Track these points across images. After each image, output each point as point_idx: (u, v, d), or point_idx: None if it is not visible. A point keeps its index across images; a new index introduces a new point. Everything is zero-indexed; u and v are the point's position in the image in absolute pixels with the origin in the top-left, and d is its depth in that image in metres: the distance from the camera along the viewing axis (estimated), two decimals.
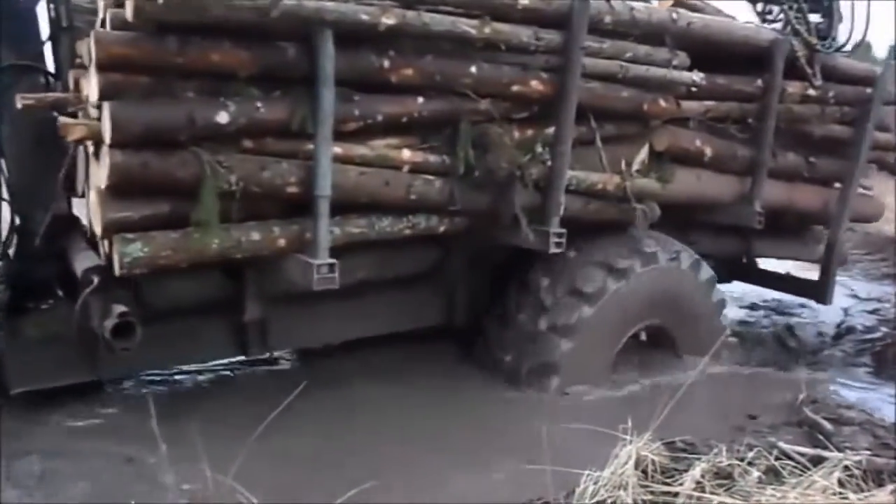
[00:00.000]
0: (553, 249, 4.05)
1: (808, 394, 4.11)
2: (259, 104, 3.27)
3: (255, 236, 3.43)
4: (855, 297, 7.41)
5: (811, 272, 5.96)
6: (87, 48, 3.20)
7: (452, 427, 3.93)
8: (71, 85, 3.91)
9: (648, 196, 4.47)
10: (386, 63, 3.52)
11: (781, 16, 5.13)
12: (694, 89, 4.55)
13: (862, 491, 2.58)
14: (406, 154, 3.74)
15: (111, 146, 3.05)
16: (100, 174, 3.20)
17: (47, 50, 4.12)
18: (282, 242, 3.50)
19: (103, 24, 3.23)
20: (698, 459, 2.74)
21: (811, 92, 5.13)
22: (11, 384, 3.74)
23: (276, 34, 3.27)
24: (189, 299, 3.89)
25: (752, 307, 6.97)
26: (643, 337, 4.69)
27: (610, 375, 4.49)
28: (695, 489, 2.54)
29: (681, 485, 2.56)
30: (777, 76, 4.86)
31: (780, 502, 2.47)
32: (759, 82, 4.90)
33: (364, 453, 3.54)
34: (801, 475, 2.65)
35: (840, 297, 6.58)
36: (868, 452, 2.97)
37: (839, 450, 3.03)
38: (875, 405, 4.48)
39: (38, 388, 3.78)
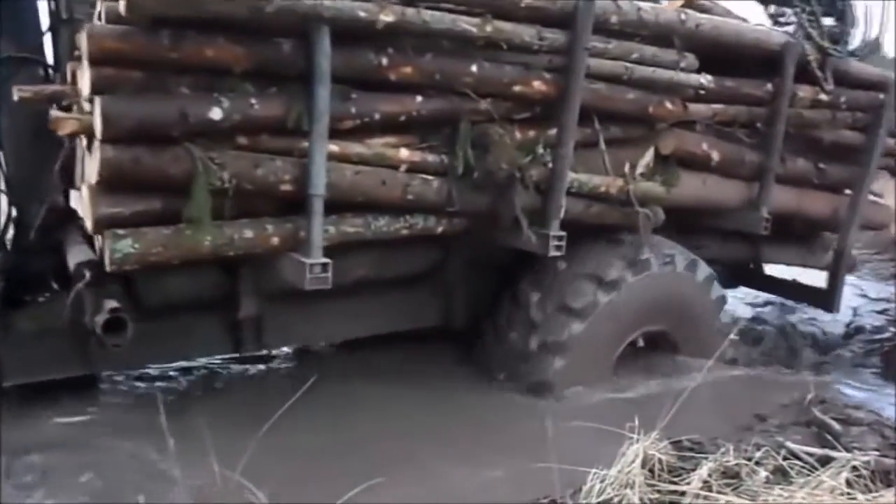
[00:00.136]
0: (553, 253, 3.99)
1: (816, 394, 4.05)
2: (254, 100, 3.23)
3: (248, 234, 3.39)
4: (864, 296, 7.36)
5: (818, 278, 5.88)
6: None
7: (456, 426, 3.92)
8: (69, 77, 3.88)
9: (652, 200, 4.39)
10: (384, 61, 3.46)
11: (794, 18, 5.03)
12: (702, 92, 4.47)
13: (870, 491, 2.53)
14: (404, 153, 3.68)
15: (103, 141, 3.02)
16: (91, 169, 3.17)
17: (47, 42, 4.11)
18: (275, 241, 3.45)
19: (100, 18, 3.21)
20: (705, 459, 2.69)
21: (822, 97, 5.03)
22: (4, 377, 3.72)
23: (271, 30, 3.21)
24: (183, 295, 3.85)
25: (765, 304, 6.92)
26: (640, 343, 4.63)
27: (610, 382, 4.41)
28: (702, 488, 2.50)
29: (688, 484, 2.52)
30: (787, 80, 4.77)
31: (788, 502, 2.43)
32: (769, 86, 4.81)
33: (370, 450, 3.52)
34: (808, 475, 2.61)
35: (850, 297, 6.52)
36: (876, 453, 2.91)
37: (847, 450, 2.97)
38: (883, 405, 4.39)
39: (30, 382, 3.76)
